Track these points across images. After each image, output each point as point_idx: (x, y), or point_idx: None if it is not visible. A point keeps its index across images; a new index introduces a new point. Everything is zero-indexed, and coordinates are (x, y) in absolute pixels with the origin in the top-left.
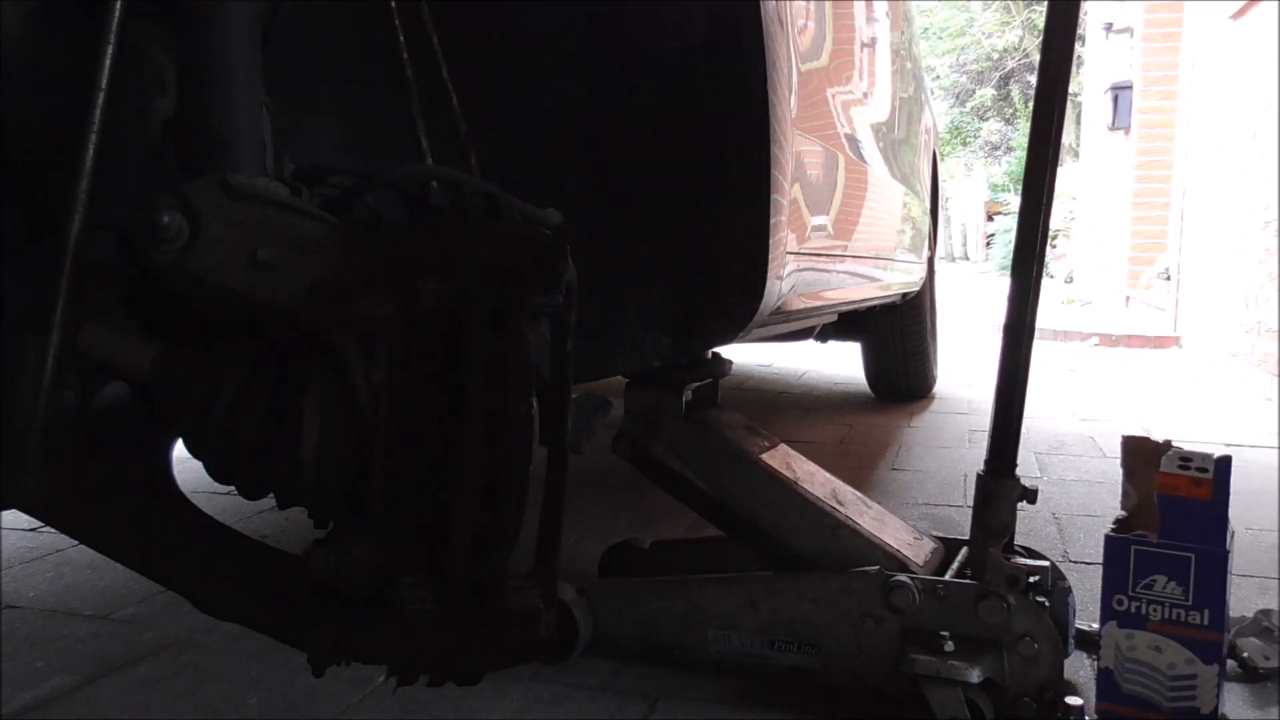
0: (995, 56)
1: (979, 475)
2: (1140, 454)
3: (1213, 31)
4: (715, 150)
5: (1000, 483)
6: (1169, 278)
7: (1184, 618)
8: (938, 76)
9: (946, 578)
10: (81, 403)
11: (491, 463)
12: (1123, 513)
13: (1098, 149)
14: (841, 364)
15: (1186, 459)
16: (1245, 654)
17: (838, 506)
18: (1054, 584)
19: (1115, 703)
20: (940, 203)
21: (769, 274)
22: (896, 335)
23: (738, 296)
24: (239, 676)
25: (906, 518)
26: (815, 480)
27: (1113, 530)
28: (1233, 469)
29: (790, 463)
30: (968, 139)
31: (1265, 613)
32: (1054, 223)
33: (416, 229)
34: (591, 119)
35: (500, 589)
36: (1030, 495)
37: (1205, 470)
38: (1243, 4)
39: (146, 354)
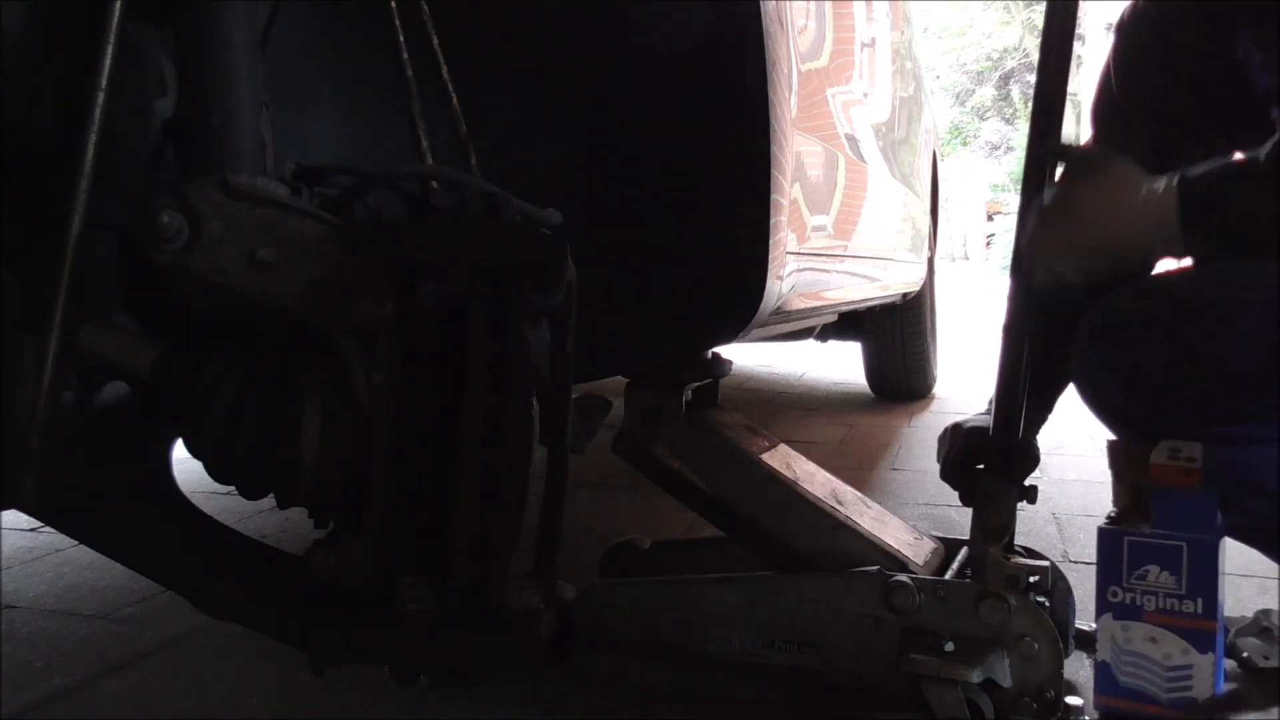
0: (995, 56)
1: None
2: (1125, 456)
3: None
4: (715, 150)
5: (1000, 483)
6: None
7: (1178, 607)
8: (938, 76)
9: (946, 578)
10: (81, 403)
11: (491, 463)
12: (1114, 511)
13: None
14: (841, 364)
15: (1176, 449)
16: (1245, 654)
17: (838, 506)
18: (1054, 584)
19: (1113, 695)
20: (940, 203)
21: (769, 274)
22: (896, 335)
23: (738, 296)
24: (239, 676)
25: (906, 518)
26: (815, 480)
27: (1107, 523)
28: None
29: (790, 463)
30: (968, 139)
31: (1265, 613)
32: None
33: (416, 229)
34: (591, 119)
35: (500, 589)
36: (1030, 495)
37: (1194, 460)
38: None
39: (147, 354)
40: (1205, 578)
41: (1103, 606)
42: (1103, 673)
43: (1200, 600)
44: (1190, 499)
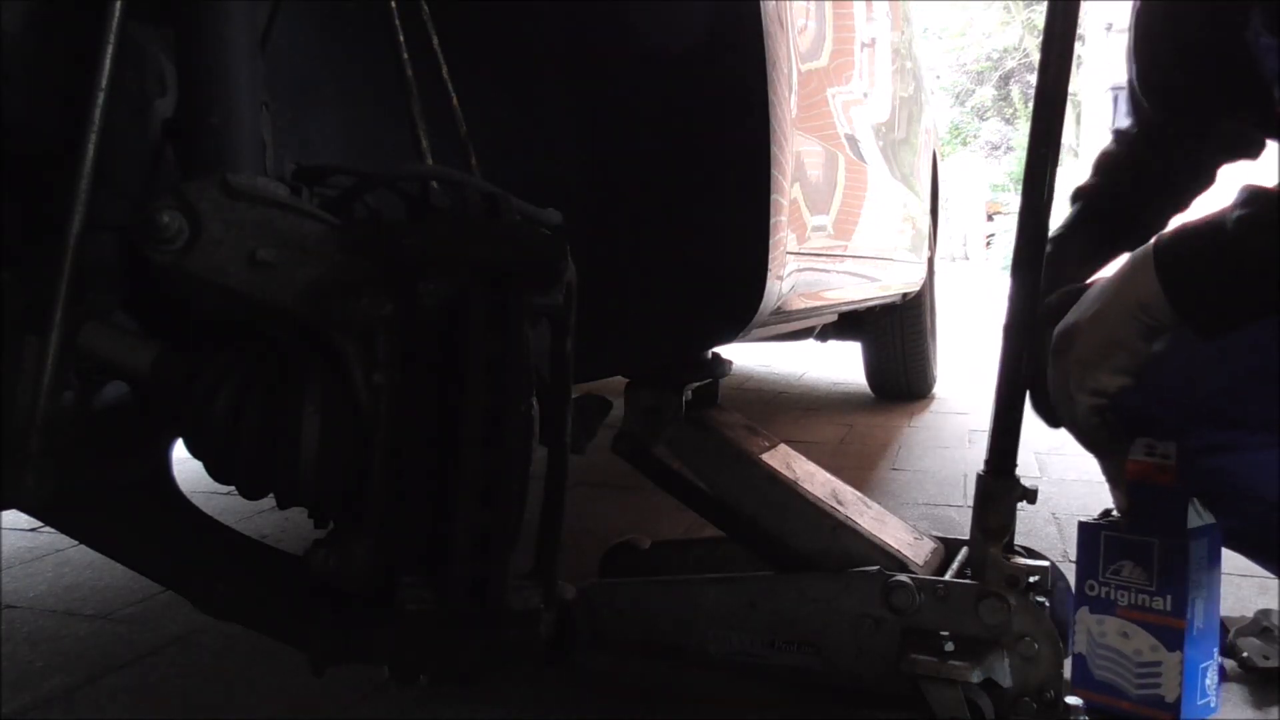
0: (995, 56)
1: (979, 475)
2: (1119, 462)
3: None
4: (715, 150)
5: (1000, 483)
6: None
7: (1148, 603)
8: (938, 76)
9: (946, 578)
10: (81, 403)
11: (491, 463)
12: (1115, 514)
13: (1097, 149)
14: (841, 364)
15: (1152, 446)
16: (1245, 654)
17: (838, 506)
18: (1054, 584)
19: (1087, 689)
20: (940, 203)
21: (769, 274)
22: (896, 335)
23: (738, 296)
24: (239, 676)
25: (906, 518)
26: (815, 480)
27: (1089, 518)
28: None
29: (790, 463)
30: (968, 139)
31: (1265, 613)
32: (1054, 223)
33: (416, 229)
34: (591, 119)
35: (500, 589)
36: (1030, 495)
37: (1169, 457)
38: None
39: (146, 354)
40: (1176, 574)
41: (1080, 599)
42: (1078, 665)
43: (1169, 597)
44: (1164, 496)
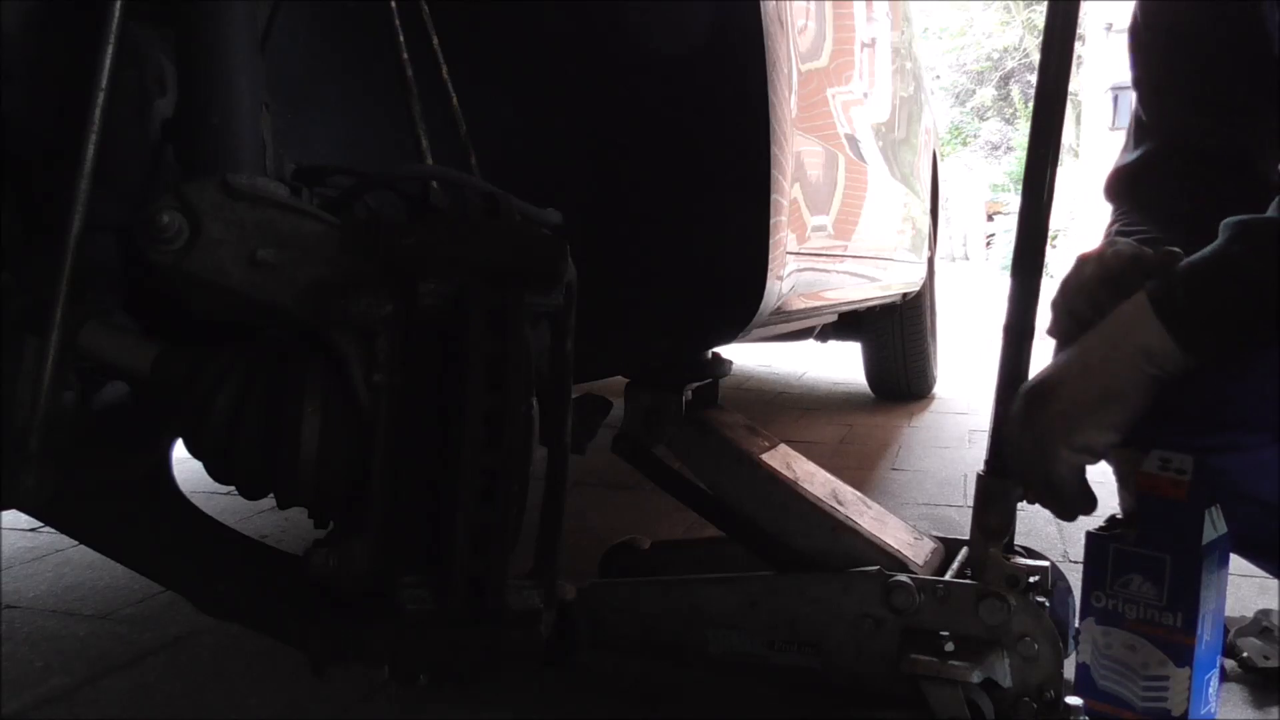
0: (995, 56)
1: (979, 475)
2: (1130, 460)
3: None
4: (715, 150)
5: (1000, 483)
6: None
7: (1158, 618)
8: (938, 76)
9: (946, 578)
10: (81, 403)
11: (491, 462)
12: (1121, 515)
13: (1098, 149)
14: (841, 364)
15: (1167, 460)
16: (1245, 654)
17: (838, 507)
18: (1054, 584)
19: (1091, 698)
20: (940, 203)
21: (769, 274)
22: (896, 335)
23: (738, 296)
24: (239, 676)
25: (906, 518)
26: (815, 480)
27: (1098, 528)
28: None
29: (790, 463)
30: (968, 139)
31: (1265, 613)
32: (1054, 223)
33: (416, 229)
34: (591, 119)
35: (500, 589)
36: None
37: (1184, 472)
38: None
39: (146, 354)
40: (1187, 591)
41: (1086, 609)
42: (1082, 674)
43: (1180, 614)
44: (1177, 510)
